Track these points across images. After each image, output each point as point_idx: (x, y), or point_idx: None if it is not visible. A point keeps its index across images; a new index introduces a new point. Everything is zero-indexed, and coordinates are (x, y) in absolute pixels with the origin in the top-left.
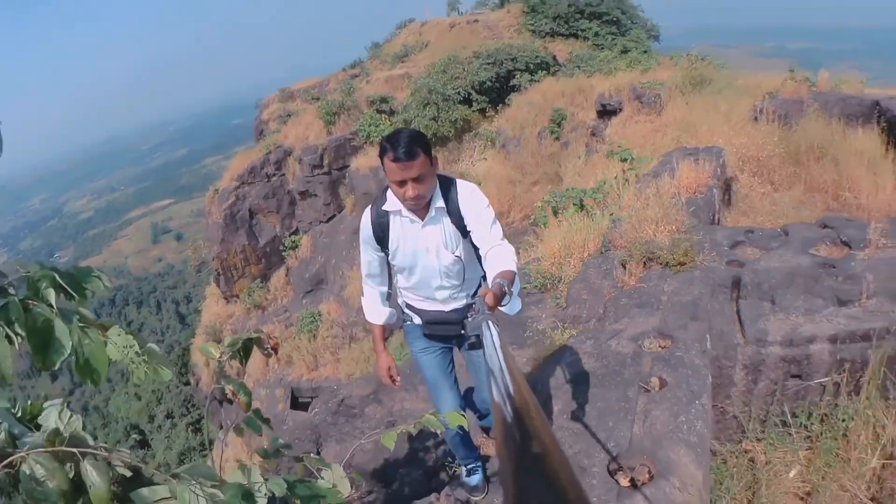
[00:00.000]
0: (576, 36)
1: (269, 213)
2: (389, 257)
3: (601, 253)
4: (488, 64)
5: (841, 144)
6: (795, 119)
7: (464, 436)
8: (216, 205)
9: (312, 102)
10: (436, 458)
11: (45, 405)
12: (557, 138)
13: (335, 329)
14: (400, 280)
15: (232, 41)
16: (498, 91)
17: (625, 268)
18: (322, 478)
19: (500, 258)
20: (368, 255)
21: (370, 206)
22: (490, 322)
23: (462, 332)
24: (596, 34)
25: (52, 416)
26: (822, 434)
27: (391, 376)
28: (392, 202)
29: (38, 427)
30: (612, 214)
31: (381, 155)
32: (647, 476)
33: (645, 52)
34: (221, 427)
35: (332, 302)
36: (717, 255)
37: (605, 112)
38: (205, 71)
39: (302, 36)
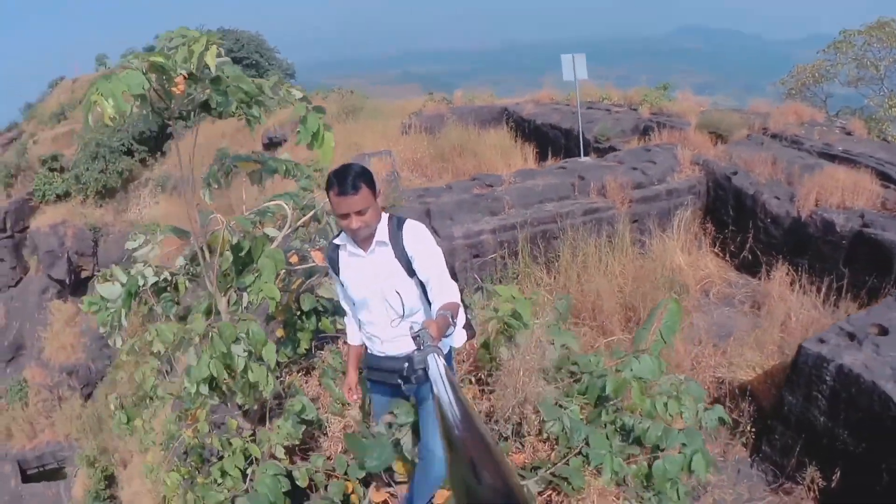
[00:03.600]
0: None
1: None
2: (345, 289)
3: None
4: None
5: (477, 142)
6: (439, 129)
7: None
8: None
9: None
10: None
11: None
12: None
13: (43, 393)
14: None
15: None
16: (156, 140)
17: None
18: None
19: (443, 292)
20: (337, 286)
21: (330, 241)
22: (436, 354)
23: (399, 381)
24: None
25: None
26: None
27: (350, 390)
28: (341, 237)
29: None
30: None
31: (328, 189)
32: None
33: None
34: None
35: (35, 367)
36: (411, 200)
37: (272, 144)
38: None
39: None
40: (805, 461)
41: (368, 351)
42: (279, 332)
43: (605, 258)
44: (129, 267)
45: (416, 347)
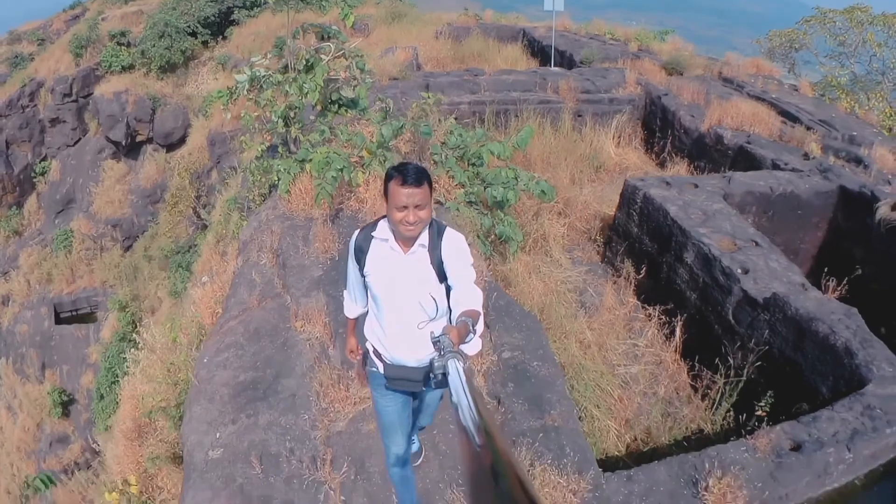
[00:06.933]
0: None
1: (23, 143)
2: (365, 278)
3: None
4: (212, 1)
5: (494, 52)
6: (464, 38)
7: (407, 478)
8: None
9: (39, 44)
10: None
11: None
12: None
13: (87, 242)
14: (371, 317)
15: None
16: (218, 25)
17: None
18: None
19: (466, 298)
20: (351, 270)
21: (361, 227)
22: (456, 360)
23: (423, 388)
24: None
25: None
26: None
27: (352, 352)
28: (382, 231)
29: None
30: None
31: (388, 181)
32: None
33: None
34: None
35: (82, 218)
36: (419, 77)
37: (325, 37)
38: None
39: None
40: (624, 259)
41: (384, 355)
42: (318, 107)
43: (547, 133)
44: (251, 66)
45: (437, 352)
